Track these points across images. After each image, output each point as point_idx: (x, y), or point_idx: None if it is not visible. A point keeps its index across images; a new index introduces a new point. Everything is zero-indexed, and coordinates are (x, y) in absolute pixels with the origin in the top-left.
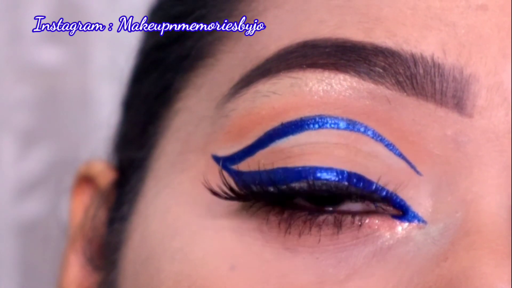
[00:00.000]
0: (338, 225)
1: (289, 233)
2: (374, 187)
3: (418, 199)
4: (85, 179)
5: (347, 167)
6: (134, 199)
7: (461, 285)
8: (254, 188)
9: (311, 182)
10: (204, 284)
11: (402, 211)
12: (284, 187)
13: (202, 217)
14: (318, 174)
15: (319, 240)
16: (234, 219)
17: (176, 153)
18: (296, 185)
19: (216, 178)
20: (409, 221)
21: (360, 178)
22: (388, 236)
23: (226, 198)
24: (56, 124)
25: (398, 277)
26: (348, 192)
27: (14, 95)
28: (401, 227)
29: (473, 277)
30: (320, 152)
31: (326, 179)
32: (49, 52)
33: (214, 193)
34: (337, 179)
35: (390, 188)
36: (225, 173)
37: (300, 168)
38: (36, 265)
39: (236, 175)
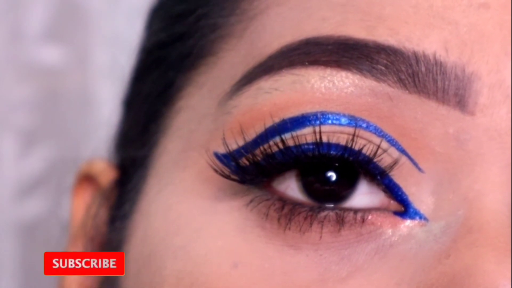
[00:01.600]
0: (340, 222)
1: (289, 229)
2: (373, 164)
3: (420, 196)
4: (86, 178)
5: (350, 144)
6: (136, 197)
7: (464, 283)
8: (259, 156)
9: (320, 152)
10: (206, 281)
11: (404, 207)
12: (287, 135)
13: (205, 214)
14: (326, 148)
15: (321, 237)
16: (237, 216)
17: (178, 151)
18: (302, 137)
19: (217, 175)
20: (411, 218)
21: (365, 155)
22: (390, 233)
23: (228, 176)
24: (56, 123)
25: (400, 274)
26: (351, 162)
27: (14, 95)
28: (403, 224)
29: (475, 274)
30: (324, 134)
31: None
32: (49, 52)
33: (218, 172)
34: (344, 143)
35: (389, 162)
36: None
37: (311, 145)
38: (37, 264)
39: (238, 170)
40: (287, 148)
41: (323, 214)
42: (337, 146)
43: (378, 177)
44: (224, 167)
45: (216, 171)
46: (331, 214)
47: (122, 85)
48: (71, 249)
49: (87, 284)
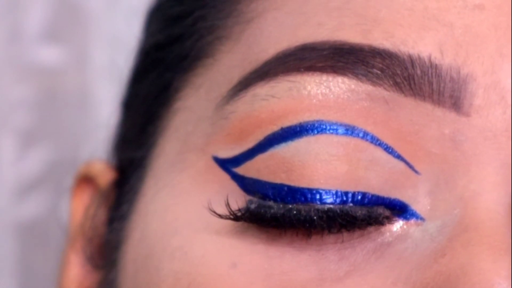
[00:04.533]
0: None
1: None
2: (378, 201)
3: (416, 197)
4: (85, 179)
5: (351, 186)
6: (134, 198)
7: (459, 281)
8: (252, 206)
9: (316, 210)
10: (204, 282)
11: (401, 210)
12: (289, 206)
13: (202, 216)
14: (324, 198)
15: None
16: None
17: (175, 152)
18: (301, 207)
19: (216, 178)
20: (407, 219)
21: (364, 195)
22: (388, 233)
23: (227, 218)
24: (55, 124)
25: (396, 273)
26: (353, 212)
27: (13, 95)
28: (400, 224)
29: (471, 273)
30: (322, 170)
31: (332, 203)
32: (48, 52)
33: (218, 214)
34: (342, 201)
35: (392, 195)
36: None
37: (305, 190)
38: (36, 265)
39: (238, 179)
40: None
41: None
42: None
43: None
44: (225, 213)
45: (216, 214)
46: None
47: (120, 85)
48: (69, 250)
49: (86, 284)
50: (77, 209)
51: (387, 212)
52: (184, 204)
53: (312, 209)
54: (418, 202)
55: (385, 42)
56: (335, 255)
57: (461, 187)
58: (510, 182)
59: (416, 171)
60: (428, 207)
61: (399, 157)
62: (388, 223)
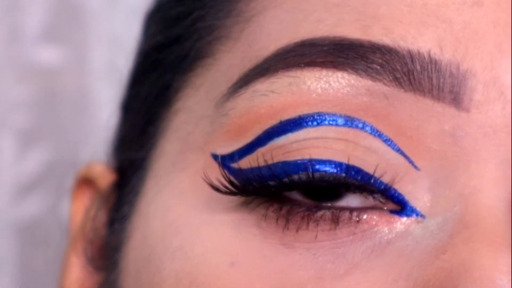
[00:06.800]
0: (335, 221)
1: (287, 228)
2: (372, 179)
3: (416, 193)
4: (85, 181)
5: (345, 159)
6: (135, 199)
7: (461, 277)
8: (254, 183)
9: (310, 174)
10: (205, 281)
11: (400, 206)
12: (284, 179)
13: (202, 215)
14: (317, 166)
15: (316, 236)
16: (233, 215)
17: (176, 152)
18: (295, 176)
19: (216, 175)
20: (407, 215)
21: (358, 170)
22: (386, 231)
23: (226, 193)
24: (54, 124)
25: (397, 270)
26: (346, 183)
27: (13, 95)
28: (400, 222)
29: (472, 269)
30: (319, 146)
31: (325, 171)
32: (48, 52)
33: (214, 187)
34: (335, 171)
35: (387, 180)
36: (225, 171)
37: (299, 161)
38: (35, 266)
39: (236, 172)
40: (280, 183)
41: (319, 213)
42: (329, 177)
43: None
44: (220, 186)
45: (213, 187)
46: (327, 213)
47: (120, 86)
48: (70, 251)
49: (87, 285)
50: (77, 211)
51: (382, 199)
52: (184, 204)
53: (305, 176)
54: (418, 199)
55: (385, 38)
56: (329, 255)
57: (461, 183)
58: (510, 178)
59: (416, 167)
60: (428, 204)
61: (398, 150)
62: (387, 221)
